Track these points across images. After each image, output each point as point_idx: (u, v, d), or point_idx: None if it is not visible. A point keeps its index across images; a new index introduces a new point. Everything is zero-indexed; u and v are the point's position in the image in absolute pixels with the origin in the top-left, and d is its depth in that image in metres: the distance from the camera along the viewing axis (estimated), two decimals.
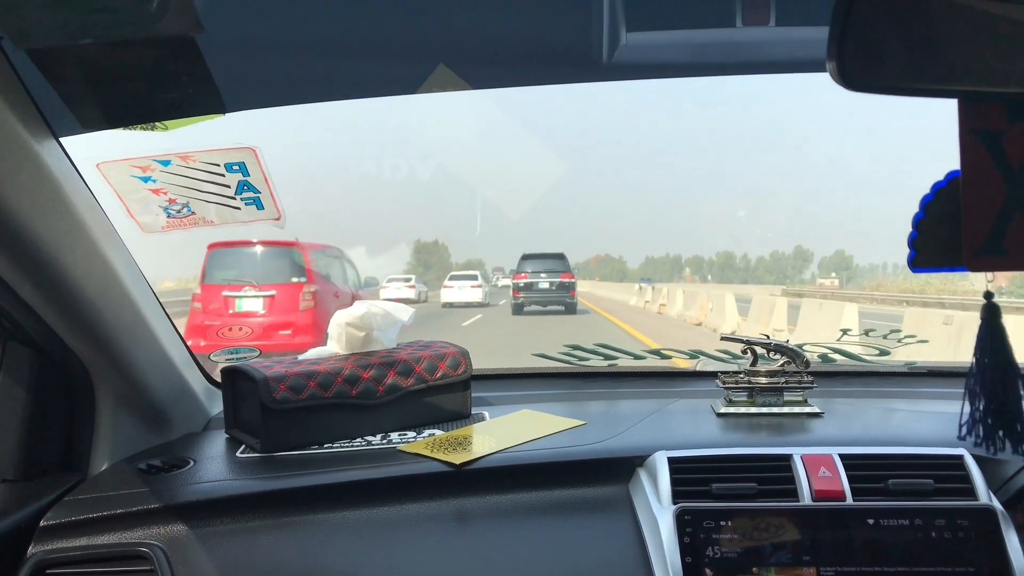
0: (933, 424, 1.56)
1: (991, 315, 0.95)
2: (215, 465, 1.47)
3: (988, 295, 0.94)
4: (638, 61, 1.70)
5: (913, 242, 0.90)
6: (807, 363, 1.70)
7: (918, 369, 2.05)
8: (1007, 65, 0.80)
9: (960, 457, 1.36)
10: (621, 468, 1.43)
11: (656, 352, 2.09)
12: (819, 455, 1.36)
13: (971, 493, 1.30)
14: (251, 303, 10.74)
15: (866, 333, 2.06)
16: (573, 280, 25.34)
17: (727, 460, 1.37)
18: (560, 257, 25.74)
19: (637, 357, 2.08)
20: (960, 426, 1.01)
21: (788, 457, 1.36)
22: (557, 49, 1.71)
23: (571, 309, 24.59)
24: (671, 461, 1.36)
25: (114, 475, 1.44)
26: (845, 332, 2.07)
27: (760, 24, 1.60)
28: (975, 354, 0.98)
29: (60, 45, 0.97)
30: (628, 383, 2.07)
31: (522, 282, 24.82)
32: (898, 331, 2.05)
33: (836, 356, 2.03)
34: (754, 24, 1.61)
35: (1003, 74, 0.80)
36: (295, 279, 10.99)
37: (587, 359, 2.07)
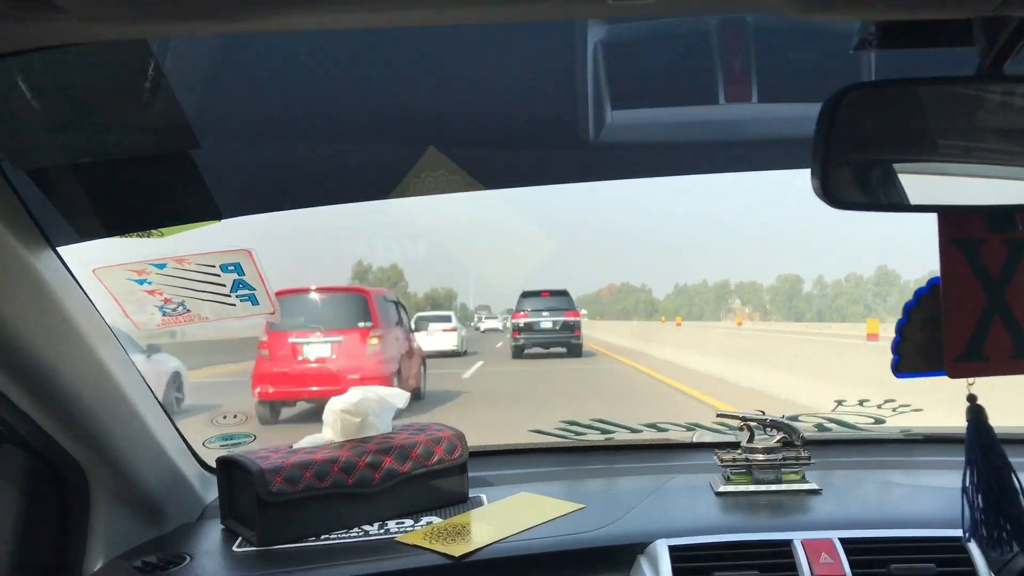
0: (932, 501, 1.55)
1: (977, 416, 0.96)
2: (212, 561, 1.46)
3: (971, 398, 0.95)
4: (624, 139, 1.72)
5: (897, 347, 0.92)
6: (803, 439, 1.71)
7: (913, 436, 2.05)
8: (985, 183, 0.82)
9: (961, 539, 1.36)
10: (622, 556, 1.42)
11: (652, 425, 2.09)
12: (820, 540, 1.35)
13: None
14: (319, 349, 10.70)
15: (861, 403, 2.06)
16: (578, 319, 23.54)
17: (728, 547, 1.36)
18: (563, 294, 23.90)
19: (633, 431, 2.08)
20: (964, 531, 1.01)
21: (789, 543, 1.35)
22: (544, 129, 1.73)
23: (575, 351, 22.72)
24: (672, 549, 1.35)
25: (109, 574, 1.43)
26: (840, 403, 2.08)
27: (743, 101, 1.64)
28: (966, 455, 0.99)
29: (58, 164, 0.99)
30: (625, 457, 2.06)
31: (522, 322, 22.92)
32: (892, 400, 2.06)
33: (832, 425, 2.04)
34: (737, 101, 1.64)
35: (981, 192, 0.83)
36: (361, 324, 11.04)
37: (584, 433, 2.07)
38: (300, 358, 10.64)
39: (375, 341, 10.84)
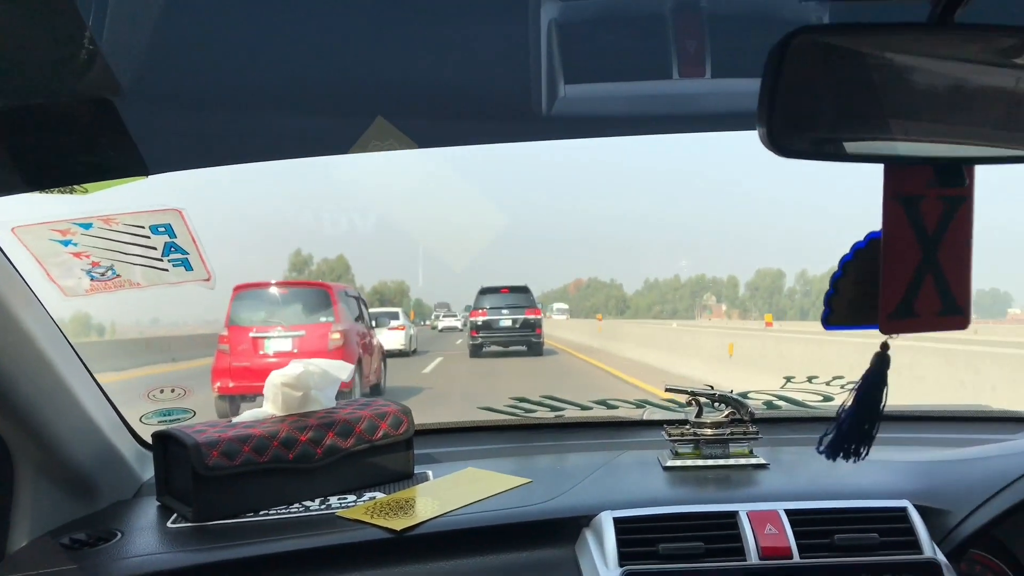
0: (876, 474, 1.56)
1: (880, 362, 1.01)
2: (144, 537, 1.40)
3: (884, 345, 0.98)
4: (577, 113, 1.70)
5: (829, 300, 0.91)
6: (752, 414, 1.70)
7: None
8: (931, 135, 0.81)
9: (904, 509, 1.36)
10: (567, 529, 1.40)
11: (602, 402, 2.08)
12: (765, 511, 1.35)
13: (915, 546, 1.30)
14: (280, 343, 10.58)
15: (809, 380, 2.07)
16: (539, 317, 22.38)
17: (673, 519, 1.35)
18: (523, 291, 22.83)
19: (584, 407, 2.06)
20: (819, 443, 1.15)
21: (734, 514, 1.34)
22: (495, 102, 1.70)
23: (536, 350, 21.74)
24: (617, 521, 1.33)
25: (34, 551, 1.36)
26: (789, 379, 2.08)
27: (696, 76, 1.62)
28: (856, 387, 1.08)
29: None
30: (575, 434, 2.04)
31: (480, 320, 21.73)
32: (840, 377, 2.06)
33: (781, 403, 2.04)
34: (690, 76, 1.62)
35: (929, 145, 0.81)
36: (323, 319, 10.96)
37: (533, 411, 2.04)
38: (261, 352, 10.50)
39: (336, 336, 10.67)
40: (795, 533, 1.30)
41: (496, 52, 1.57)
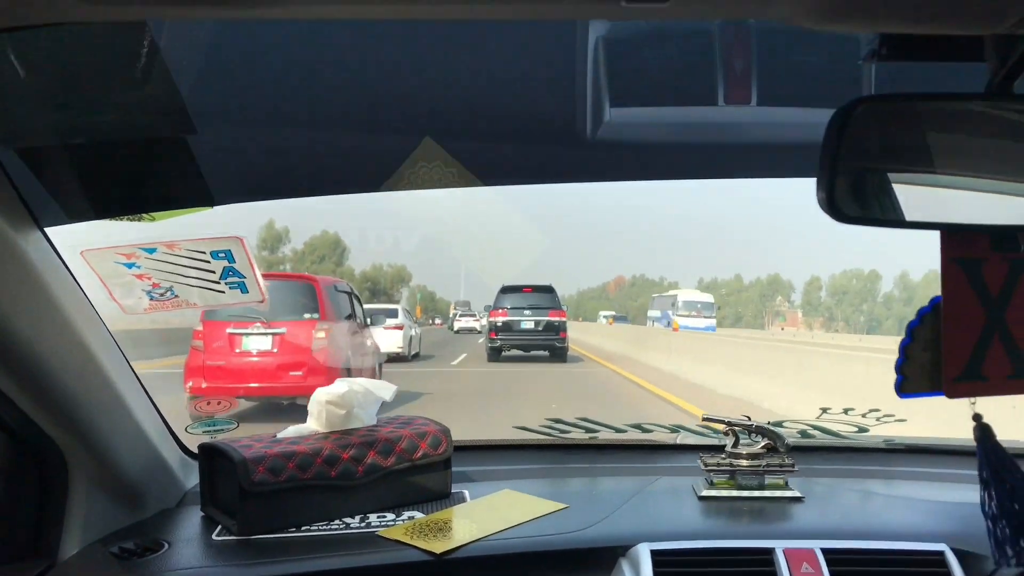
0: (913, 513, 1.56)
1: (985, 435, 0.96)
2: (191, 549, 1.44)
3: (977, 417, 0.95)
4: (622, 138, 1.71)
5: (900, 367, 0.91)
6: (788, 446, 1.71)
7: (896, 446, 2.06)
8: (988, 202, 0.82)
9: (941, 553, 1.36)
10: (603, 558, 1.42)
11: (637, 426, 2.09)
12: (802, 549, 1.36)
13: None
14: (259, 341, 9.65)
15: (845, 411, 2.07)
16: (564, 319, 20.62)
17: (709, 554, 1.36)
18: (547, 290, 21.20)
19: (618, 431, 2.08)
20: (992, 555, 1.01)
21: (770, 551, 1.35)
22: (541, 125, 1.72)
23: (560, 355, 20.02)
24: (654, 554, 1.35)
25: (85, 560, 1.41)
26: (825, 410, 2.08)
27: (742, 103, 1.63)
28: (980, 477, 0.98)
29: (49, 144, 0.96)
30: (609, 456, 2.06)
31: (500, 320, 20.04)
32: (877, 410, 2.06)
33: (816, 432, 2.04)
34: (736, 103, 1.63)
35: (985, 210, 0.82)
36: (307, 315, 9.86)
37: (568, 432, 2.06)
38: (238, 351, 9.56)
39: (322, 335, 9.63)
40: (831, 573, 1.31)
41: (543, 73, 1.59)
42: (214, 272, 1.30)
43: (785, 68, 1.60)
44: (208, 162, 1.04)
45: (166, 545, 1.44)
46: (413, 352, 20.04)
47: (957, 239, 0.86)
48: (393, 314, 19.47)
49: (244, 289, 1.34)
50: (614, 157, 1.80)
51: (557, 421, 2.05)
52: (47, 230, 1.13)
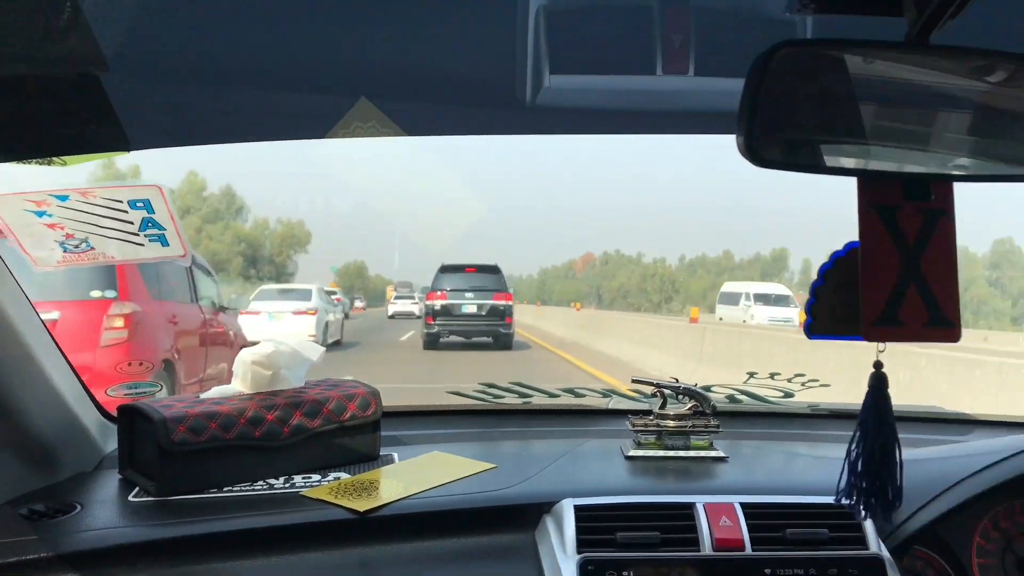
0: (831, 471, 1.60)
1: (878, 383, 0.99)
2: (105, 510, 1.40)
3: (877, 364, 0.97)
4: (561, 104, 1.71)
5: (811, 309, 0.93)
6: (714, 408, 1.74)
7: (820, 411, 2.12)
8: (903, 151, 0.84)
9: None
10: (528, 515, 1.43)
11: (569, 391, 2.11)
12: (721, 503, 1.38)
13: (862, 542, 1.35)
14: None
15: (772, 376, 2.11)
16: (510, 303, 18.78)
17: (632, 508, 1.38)
18: (493, 271, 19.53)
19: (551, 395, 2.09)
20: (838, 492, 1.04)
21: (691, 505, 1.38)
22: (480, 88, 1.71)
23: (505, 343, 18.40)
24: (577, 509, 1.36)
25: None
26: (752, 375, 2.13)
27: (680, 73, 1.63)
28: (860, 419, 1.01)
29: None
30: (541, 421, 2.07)
31: (439, 304, 18.22)
32: (802, 375, 2.11)
33: (743, 398, 2.08)
34: (674, 73, 1.63)
35: (899, 159, 0.84)
36: (96, 293, 6.67)
37: (502, 397, 2.06)
38: None
39: (119, 323, 6.58)
40: (749, 526, 1.34)
41: (483, 37, 1.57)
42: (132, 223, 1.25)
43: (723, 39, 1.62)
44: (123, 103, 1.00)
45: (78, 507, 1.40)
46: (332, 340, 17.75)
47: (873, 186, 0.88)
48: (306, 295, 17.33)
49: (164, 242, 1.30)
50: (553, 122, 1.80)
51: (491, 386, 2.05)
52: None
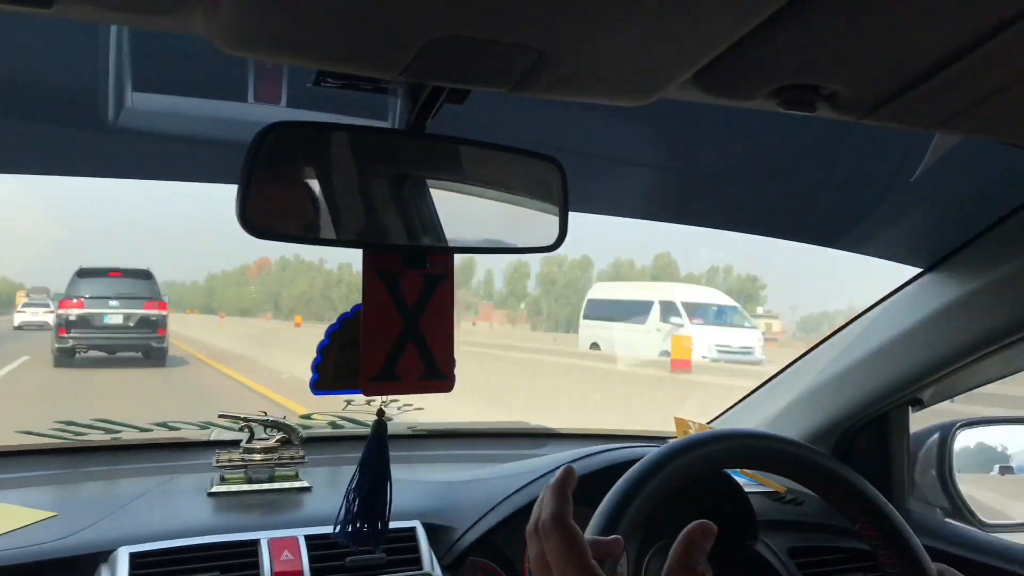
0: (399, 494, 1.73)
1: (379, 431, 1.10)
2: None
3: (380, 413, 1.09)
4: (143, 126, 1.63)
5: (317, 367, 1.00)
6: (301, 438, 1.78)
7: (419, 432, 2.25)
8: (403, 224, 0.94)
9: (412, 529, 1.53)
10: (84, 566, 1.36)
11: (164, 424, 2.04)
12: (286, 537, 1.43)
13: (417, 563, 1.48)
14: None
15: (368, 402, 2.20)
16: (163, 313, 16.89)
17: (192, 551, 1.37)
18: (144, 276, 17.66)
19: (143, 429, 2.00)
20: (336, 523, 1.14)
21: (256, 542, 1.41)
22: (63, 101, 1.58)
23: (157, 357, 16.62)
24: (133, 557, 1.33)
25: None
26: (349, 402, 2.20)
27: (272, 103, 1.62)
28: (362, 460, 1.12)
29: None
30: (132, 457, 1.97)
31: (75, 313, 15.96)
32: (396, 400, 2.23)
33: (345, 423, 2.15)
34: (265, 102, 1.62)
35: (400, 231, 0.95)
36: None
37: (84, 434, 1.93)
38: None
39: None
40: (311, 557, 1.40)
41: (64, 40, 1.46)
42: None
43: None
44: None
45: None
46: None
47: (377, 255, 0.97)
48: None
49: None
50: (134, 149, 1.72)
51: (70, 423, 1.91)
52: None
